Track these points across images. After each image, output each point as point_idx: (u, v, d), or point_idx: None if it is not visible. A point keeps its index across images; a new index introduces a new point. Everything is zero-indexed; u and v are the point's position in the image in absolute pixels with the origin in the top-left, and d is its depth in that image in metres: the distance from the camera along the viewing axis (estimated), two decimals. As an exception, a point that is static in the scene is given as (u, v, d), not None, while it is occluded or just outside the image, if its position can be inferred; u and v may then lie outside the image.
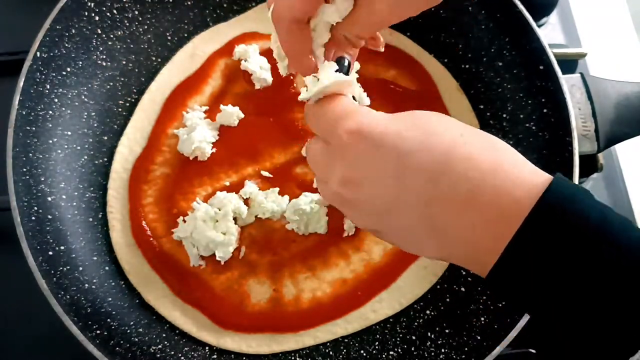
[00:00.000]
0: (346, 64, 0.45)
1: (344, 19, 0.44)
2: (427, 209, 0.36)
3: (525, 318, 0.55)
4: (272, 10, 0.44)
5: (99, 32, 0.67)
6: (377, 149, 0.38)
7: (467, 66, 0.72)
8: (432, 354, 0.59)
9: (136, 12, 0.69)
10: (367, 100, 0.48)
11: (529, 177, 0.35)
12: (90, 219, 0.64)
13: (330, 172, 0.41)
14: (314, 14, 0.44)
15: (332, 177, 0.41)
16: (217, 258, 0.62)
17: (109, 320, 0.58)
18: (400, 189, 0.37)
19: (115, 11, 0.67)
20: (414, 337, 0.61)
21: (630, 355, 0.31)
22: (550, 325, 0.34)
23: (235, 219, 0.65)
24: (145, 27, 0.70)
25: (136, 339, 0.59)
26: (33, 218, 0.58)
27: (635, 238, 0.32)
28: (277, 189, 0.65)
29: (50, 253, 0.58)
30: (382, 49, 0.50)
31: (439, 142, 0.37)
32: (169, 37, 0.72)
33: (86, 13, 0.65)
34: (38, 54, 0.61)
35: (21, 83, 0.59)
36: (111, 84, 0.69)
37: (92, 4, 0.65)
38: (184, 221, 0.64)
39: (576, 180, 0.60)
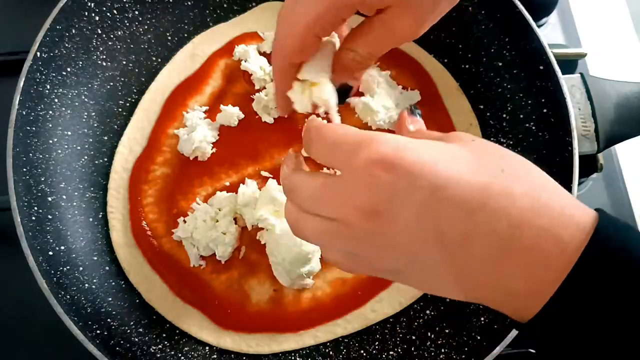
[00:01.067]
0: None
1: (357, 38, 0.44)
2: (459, 249, 0.33)
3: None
4: (273, 47, 0.44)
5: (99, 32, 0.67)
6: (407, 179, 0.33)
7: (467, 66, 0.72)
8: (432, 354, 0.59)
9: (136, 12, 0.69)
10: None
11: (574, 216, 0.33)
12: (90, 219, 0.64)
13: (342, 205, 0.35)
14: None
15: (346, 209, 0.35)
16: (218, 257, 0.63)
17: (109, 320, 0.58)
18: (432, 223, 0.33)
19: (115, 11, 0.67)
20: (414, 337, 0.61)
21: None
22: None
23: (235, 219, 0.65)
24: (145, 27, 0.70)
25: (136, 339, 0.59)
26: (33, 218, 0.58)
27: None
28: (277, 189, 0.65)
29: (50, 253, 0.58)
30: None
31: (479, 176, 0.33)
32: (169, 37, 0.72)
33: (86, 13, 0.65)
34: (38, 54, 0.61)
35: (21, 83, 0.59)
36: (111, 84, 0.69)
37: (92, 4, 0.65)
38: (184, 221, 0.64)
39: (576, 180, 0.60)
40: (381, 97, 0.68)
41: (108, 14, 0.67)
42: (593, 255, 0.31)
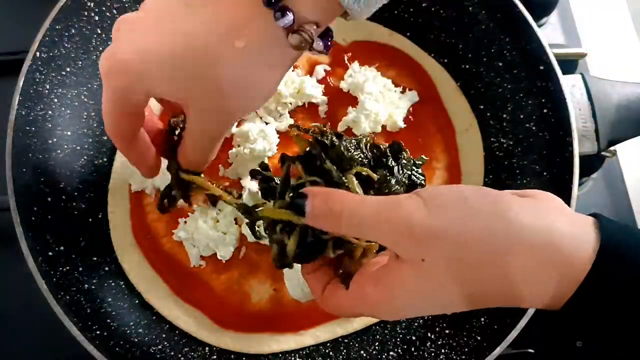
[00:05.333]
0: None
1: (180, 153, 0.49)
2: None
3: (526, 318, 0.55)
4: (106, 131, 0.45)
5: (99, 32, 0.66)
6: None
7: (467, 66, 0.72)
8: (432, 354, 0.59)
9: (136, 12, 0.69)
10: None
11: (577, 231, 0.36)
12: (90, 219, 0.64)
13: (441, 287, 0.37)
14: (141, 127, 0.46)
15: (447, 287, 0.36)
16: (219, 257, 0.63)
17: (109, 320, 0.58)
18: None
19: (115, 11, 0.67)
20: (414, 337, 0.61)
21: None
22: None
23: (235, 218, 0.64)
24: (145, 27, 0.70)
25: (136, 339, 0.59)
26: (33, 218, 0.58)
27: None
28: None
29: (50, 253, 0.58)
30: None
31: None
32: (169, 37, 0.72)
33: (86, 13, 0.65)
34: (38, 54, 0.60)
35: (21, 83, 0.59)
36: (111, 84, 0.68)
37: (92, 4, 0.65)
38: (185, 222, 0.64)
39: (576, 180, 0.60)
40: (366, 104, 0.68)
41: (108, 13, 0.67)
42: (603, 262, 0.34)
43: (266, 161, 0.68)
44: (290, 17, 0.38)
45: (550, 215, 0.36)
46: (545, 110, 0.64)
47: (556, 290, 0.35)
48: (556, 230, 0.35)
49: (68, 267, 0.58)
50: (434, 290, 0.37)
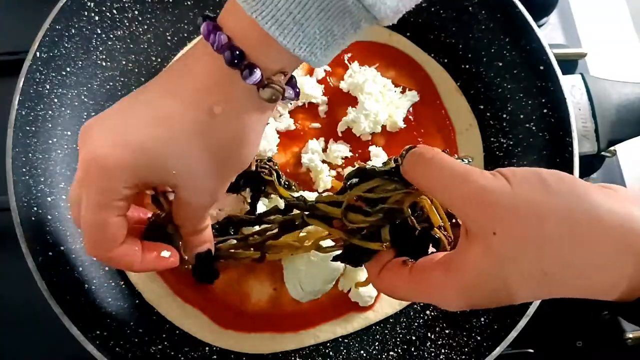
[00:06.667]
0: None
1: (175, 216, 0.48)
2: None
3: (525, 318, 0.55)
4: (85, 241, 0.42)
5: (99, 32, 0.66)
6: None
7: (467, 66, 0.72)
8: (432, 354, 0.59)
9: (136, 12, 0.69)
10: None
11: None
12: (90, 219, 0.64)
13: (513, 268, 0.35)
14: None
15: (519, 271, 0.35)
16: (218, 257, 0.63)
17: (109, 320, 0.58)
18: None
19: (115, 11, 0.67)
20: (414, 337, 0.61)
21: None
22: None
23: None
24: (145, 27, 0.70)
25: (136, 339, 0.59)
26: (33, 218, 0.58)
27: None
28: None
29: (50, 253, 0.58)
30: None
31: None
32: (169, 37, 0.72)
33: (86, 13, 0.65)
34: (38, 54, 0.60)
35: (21, 83, 0.59)
36: (111, 84, 0.69)
37: (92, 4, 0.65)
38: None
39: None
40: (366, 104, 0.68)
41: (108, 14, 0.67)
42: None
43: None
44: (257, 74, 0.39)
45: (629, 203, 0.35)
46: (545, 110, 0.65)
47: (632, 280, 0.34)
48: (637, 217, 0.34)
49: (68, 267, 0.58)
50: (503, 268, 0.35)
